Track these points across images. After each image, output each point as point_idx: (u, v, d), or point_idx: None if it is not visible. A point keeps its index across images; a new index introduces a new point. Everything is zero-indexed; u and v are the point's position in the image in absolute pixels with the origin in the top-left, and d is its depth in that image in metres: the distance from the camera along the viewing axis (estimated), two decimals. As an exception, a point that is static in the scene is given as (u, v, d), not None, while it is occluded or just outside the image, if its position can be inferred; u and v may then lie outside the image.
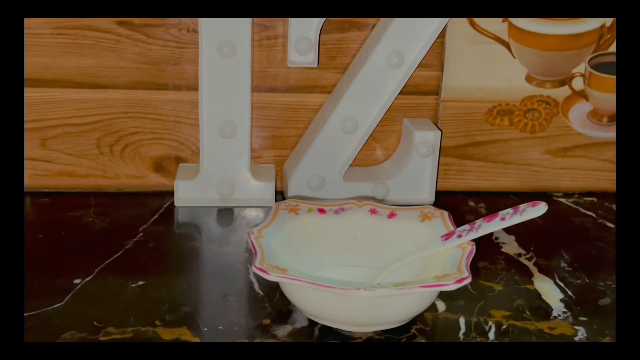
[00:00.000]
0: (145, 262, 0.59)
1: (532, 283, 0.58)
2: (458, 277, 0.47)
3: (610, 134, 0.74)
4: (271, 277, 0.47)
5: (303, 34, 0.66)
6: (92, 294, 0.54)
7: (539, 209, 0.51)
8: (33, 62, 0.67)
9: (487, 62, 0.71)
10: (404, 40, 0.67)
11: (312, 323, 0.51)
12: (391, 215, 0.57)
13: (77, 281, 0.55)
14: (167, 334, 0.49)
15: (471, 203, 0.72)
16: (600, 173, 0.75)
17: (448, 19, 0.67)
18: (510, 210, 0.52)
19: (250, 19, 0.65)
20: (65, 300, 0.53)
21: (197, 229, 0.66)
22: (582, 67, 0.72)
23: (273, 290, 0.54)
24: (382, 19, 0.69)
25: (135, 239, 0.62)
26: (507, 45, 0.71)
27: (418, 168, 0.70)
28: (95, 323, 0.50)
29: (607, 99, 0.73)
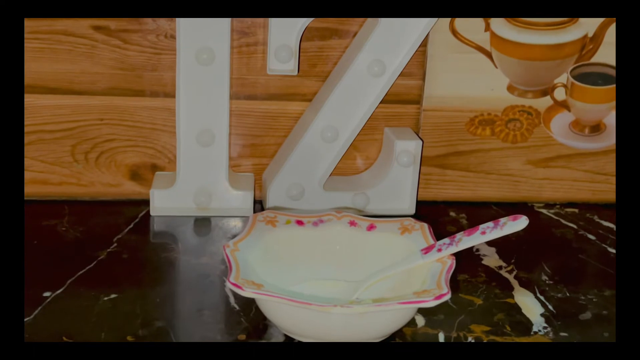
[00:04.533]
0: (118, 274, 0.57)
1: (512, 297, 0.57)
2: (437, 293, 0.46)
3: (592, 144, 0.74)
4: (246, 293, 0.46)
5: (283, 41, 0.65)
6: (62, 308, 0.52)
7: (520, 222, 0.50)
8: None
9: (469, 71, 0.70)
10: (386, 48, 0.66)
11: (288, 339, 0.50)
12: (370, 227, 0.56)
13: (47, 294, 0.54)
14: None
15: (452, 213, 0.72)
16: (581, 184, 0.75)
17: (430, 27, 0.66)
18: (490, 223, 0.51)
19: (229, 25, 0.64)
20: (34, 314, 0.51)
21: (174, 239, 0.65)
22: (564, 78, 0.71)
23: (249, 304, 0.53)
24: (363, 27, 0.68)
25: (109, 250, 0.61)
26: (489, 54, 0.70)
27: (399, 178, 0.69)
28: (64, 338, 0.49)
29: (589, 110, 0.72)
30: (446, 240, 0.52)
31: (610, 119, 0.73)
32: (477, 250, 0.64)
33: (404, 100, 0.71)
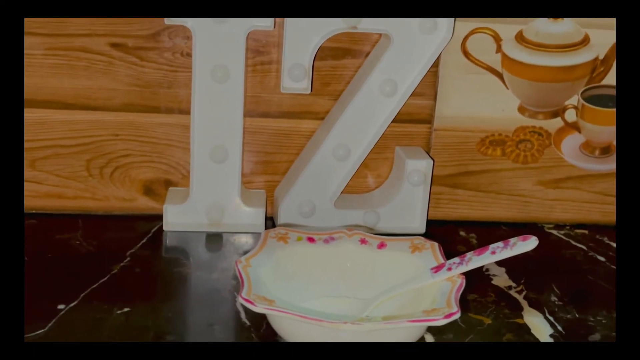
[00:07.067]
0: (131, 288, 0.58)
1: (522, 317, 0.57)
2: (447, 312, 0.47)
3: (602, 166, 0.74)
4: (258, 308, 0.46)
5: (297, 60, 0.66)
6: (75, 321, 0.53)
7: (530, 243, 0.50)
8: (25, 83, 0.67)
9: (480, 92, 0.71)
10: (398, 68, 0.67)
11: (298, 355, 0.50)
12: (381, 245, 0.57)
13: (61, 307, 0.54)
14: (151, 364, 0.49)
15: (462, 233, 0.72)
16: (592, 205, 0.75)
17: (442, 48, 0.67)
18: (500, 243, 0.52)
19: (245, 43, 0.65)
20: (48, 327, 0.52)
21: (186, 254, 0.65)
22: (575, 99, 0.72)
23: (260, 320, 0.54)
24: (376, 47, 0.69)
25: (122, 264, 0.61)
26: (500, 75, 0.71)
27: (409, 196, 0.70)
28: (78, 351, 0.49)
29: (599, 132, 0.73)
30: (456, 259, 0.52)
31: (620, 141, 0.73)
32: (487, 270, 0.64)
33: (415, 120, 0.72)
